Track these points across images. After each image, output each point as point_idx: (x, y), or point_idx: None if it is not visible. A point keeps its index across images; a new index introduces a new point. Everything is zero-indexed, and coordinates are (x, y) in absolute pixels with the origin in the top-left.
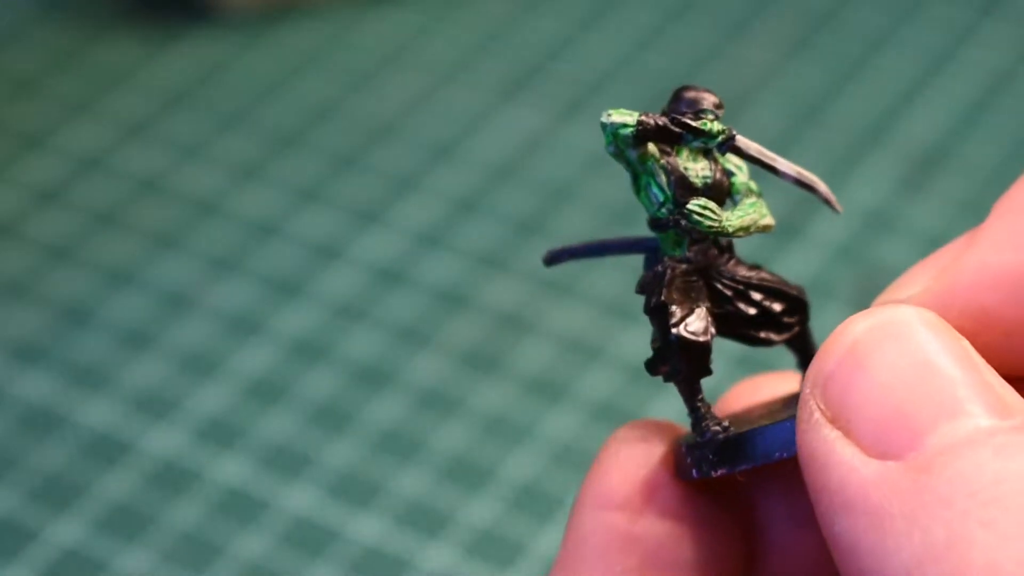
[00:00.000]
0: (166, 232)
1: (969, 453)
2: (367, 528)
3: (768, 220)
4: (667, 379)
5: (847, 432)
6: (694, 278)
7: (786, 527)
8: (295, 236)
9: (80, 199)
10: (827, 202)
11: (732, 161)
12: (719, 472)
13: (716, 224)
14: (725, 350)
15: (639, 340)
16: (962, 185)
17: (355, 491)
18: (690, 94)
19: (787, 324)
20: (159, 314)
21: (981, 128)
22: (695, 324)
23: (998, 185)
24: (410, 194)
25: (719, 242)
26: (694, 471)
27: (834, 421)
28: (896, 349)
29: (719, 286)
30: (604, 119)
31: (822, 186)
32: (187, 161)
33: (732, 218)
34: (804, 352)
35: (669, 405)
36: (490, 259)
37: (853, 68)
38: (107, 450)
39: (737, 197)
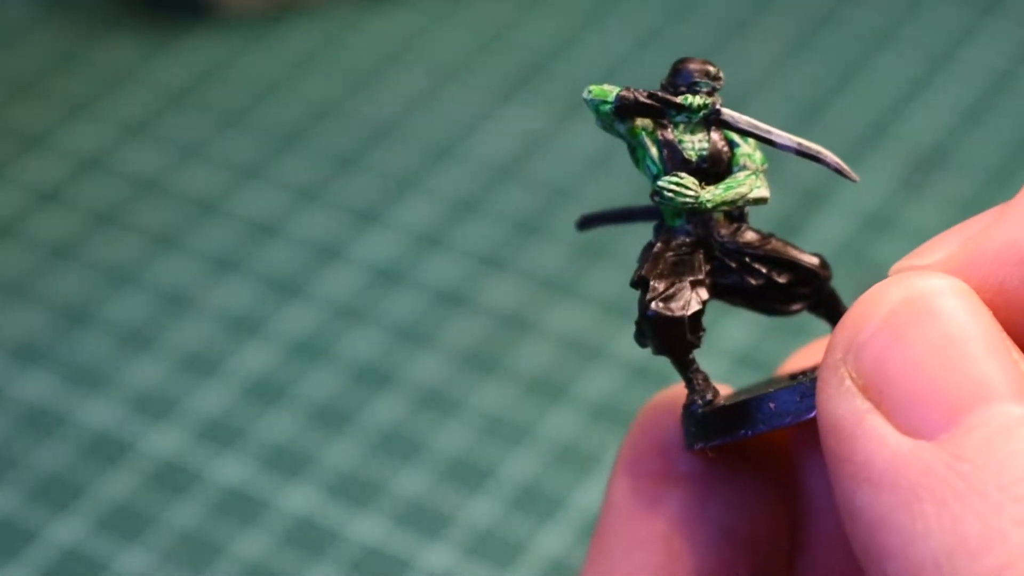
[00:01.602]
0: (166, 232)
1: (1002, 441)
2: (367, 528)
3: (760, 192)
4: (654, 352)
5: (878, 404)
6: (688, 251)
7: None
8: (295, 236)
9: (80, 199)
10: (839, 171)
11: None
12: (699, 446)
13: (691, 201)
14: (726, 346)
15: None
16: (962, 185)
17: (355, 491)
18: (687, 66)
19: (797, 294)
20: (159, 314)
21: (981, 128)
22: (672, 300)
23: (998, 185)
24: (410, 194)
25: (730, 212)
26: (686, 442)
27: (865, 391)
28: (932, 325)
29: (722, 257)
30: (585, 95)
31: (829, 155)
32: (187, 161)
33: (713, 193)
34: (834, 316)
35: None
36: (490, 259)
37: (853, 68)
38: (107, 450)
39: (735, 169)
